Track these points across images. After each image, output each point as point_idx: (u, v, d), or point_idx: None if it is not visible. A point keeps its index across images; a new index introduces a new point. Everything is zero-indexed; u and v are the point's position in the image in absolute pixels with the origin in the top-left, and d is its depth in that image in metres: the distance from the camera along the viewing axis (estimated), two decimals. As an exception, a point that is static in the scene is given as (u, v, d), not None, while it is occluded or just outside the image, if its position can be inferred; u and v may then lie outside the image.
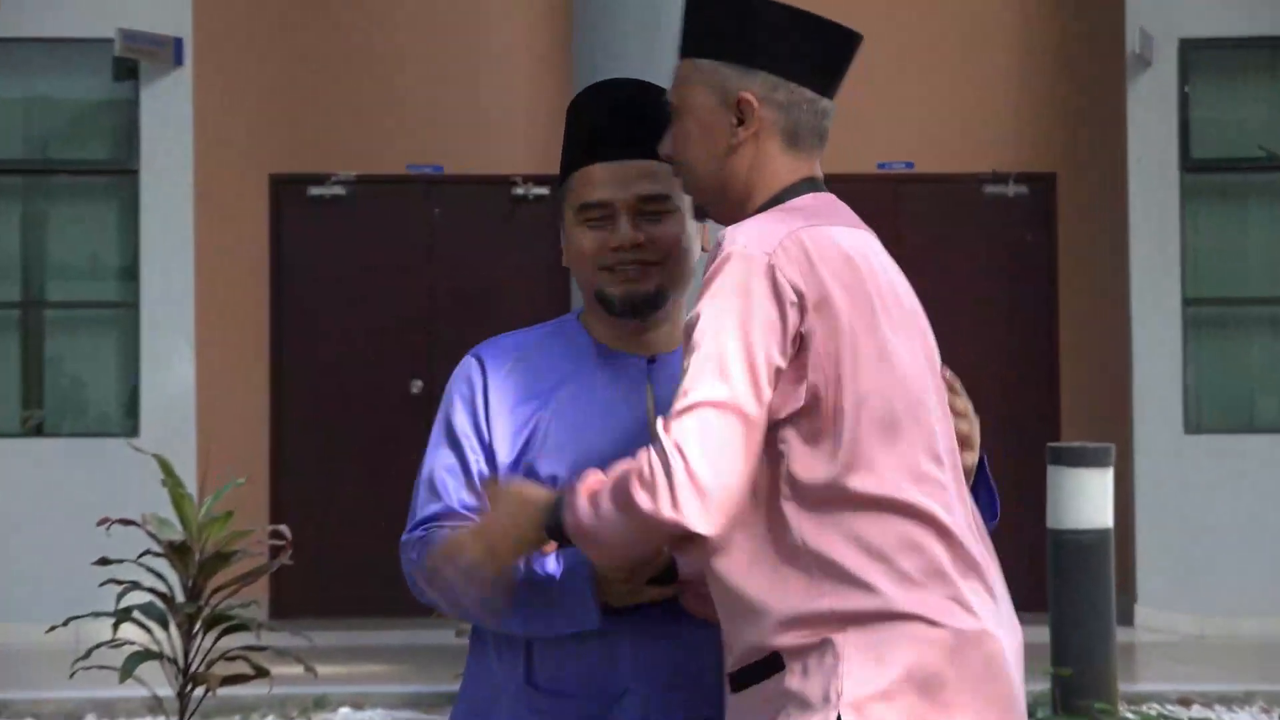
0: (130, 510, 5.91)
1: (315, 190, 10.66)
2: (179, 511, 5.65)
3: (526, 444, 2.73)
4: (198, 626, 5.64)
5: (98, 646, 5.45)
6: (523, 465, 2.71)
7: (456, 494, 2.72)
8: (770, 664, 2.43)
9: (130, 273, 10.36)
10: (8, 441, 10.20)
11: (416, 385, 10.50)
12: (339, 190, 10.68)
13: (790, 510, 2.43)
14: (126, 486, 9.15)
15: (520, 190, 10.64)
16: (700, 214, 2.67)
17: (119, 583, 5.43)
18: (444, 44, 10.67)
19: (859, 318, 2.45)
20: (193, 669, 5.64)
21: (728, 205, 2.60)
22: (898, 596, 2.39)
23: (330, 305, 10.67)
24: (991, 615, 2.47)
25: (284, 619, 9.47)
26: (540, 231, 10.36)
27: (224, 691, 5.70)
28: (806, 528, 2.42)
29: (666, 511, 2.35)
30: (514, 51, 10.71)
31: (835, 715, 2.36)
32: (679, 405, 2.38)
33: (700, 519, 2.36)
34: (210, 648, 5.66)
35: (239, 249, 10.58)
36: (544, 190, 10.49)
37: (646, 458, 2.37)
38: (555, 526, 2.48)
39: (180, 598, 5.68)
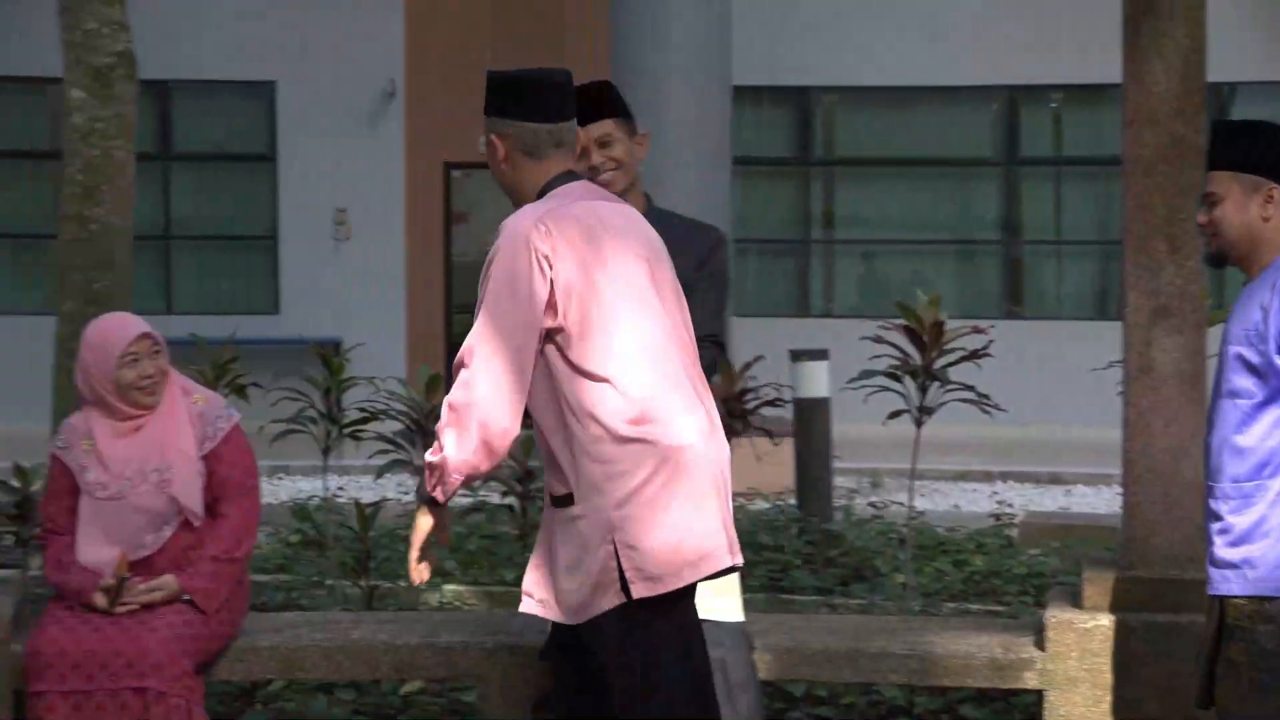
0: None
1: None
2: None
3: None
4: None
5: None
6: None
7: None
8: (566, 500, 3.61)
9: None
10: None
11: None
12: None
13: (561, 384, 3.54)
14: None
15: None
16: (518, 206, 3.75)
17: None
18: None
19: (586, 259, 3.56)
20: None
21: (521, 200, 3.72)
22: (623, 431, 3.54)
23: None
24: (699, 434, 3.60)
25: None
26: None
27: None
28: (571, 396, 3.55)
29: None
30: None
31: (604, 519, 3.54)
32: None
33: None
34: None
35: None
36: None
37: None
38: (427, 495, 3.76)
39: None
